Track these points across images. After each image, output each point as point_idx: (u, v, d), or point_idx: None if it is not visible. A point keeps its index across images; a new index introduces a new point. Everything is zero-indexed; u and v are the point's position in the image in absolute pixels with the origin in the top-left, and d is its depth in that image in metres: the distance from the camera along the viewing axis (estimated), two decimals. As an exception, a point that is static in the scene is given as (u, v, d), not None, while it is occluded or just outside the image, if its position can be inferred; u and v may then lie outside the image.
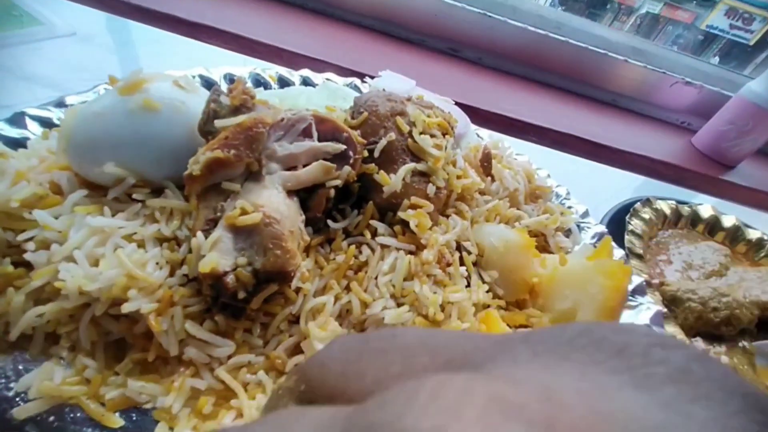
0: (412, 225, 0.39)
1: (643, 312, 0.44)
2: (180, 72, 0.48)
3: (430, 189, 0.41)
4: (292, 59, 0.78)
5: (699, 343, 0.48)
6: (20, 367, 0.30)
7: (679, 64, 1.00)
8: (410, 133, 0.42)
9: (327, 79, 0.62)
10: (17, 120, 0.41)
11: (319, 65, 0.77)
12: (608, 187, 0.76)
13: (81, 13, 0.72)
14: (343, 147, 0.37)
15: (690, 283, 0.52)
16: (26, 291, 0.31)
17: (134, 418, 0.30)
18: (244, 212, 0.32)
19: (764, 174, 0.94)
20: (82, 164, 0.34)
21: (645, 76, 0.98)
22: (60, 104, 0.43)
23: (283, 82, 0.60)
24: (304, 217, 0.36)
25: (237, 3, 0.88)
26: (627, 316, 0.43)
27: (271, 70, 0.59)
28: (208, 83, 0.55)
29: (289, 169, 0.36)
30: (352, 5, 0.94)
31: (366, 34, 0.96)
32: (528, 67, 0.99)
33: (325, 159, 0.37)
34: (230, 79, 0.56)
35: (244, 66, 0.60)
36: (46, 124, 0.42)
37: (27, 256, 0.31)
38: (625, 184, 0.80)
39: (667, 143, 0.96)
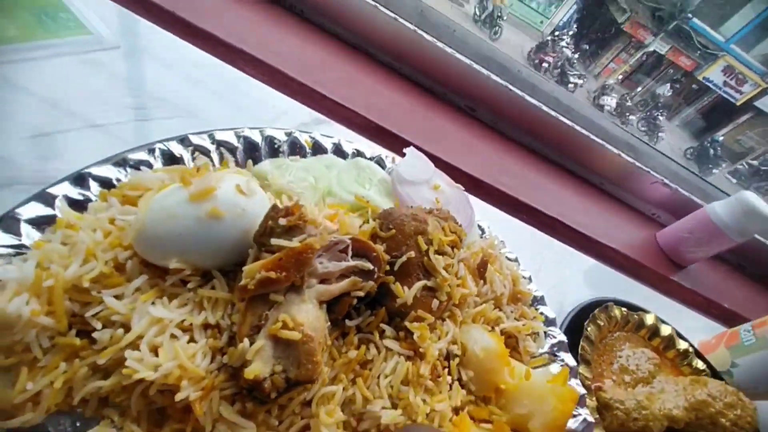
0: (415, 336, 0.46)
1: (579, 421, 0.54)
2: (238, 173, 0.52)
3: (434, 303, 0.49)
4: (322, 101, 0.82)
5: (616, 446, 0.60)
6: (78, 425, 0.36)
7: (663, 165, 1.11)
8: (427, 251, 0.49)
9: (356, 150, 0.67)
10: (80, 180, 0.44)
11: (348, 114, 0.81)
12: (577, 274, 0.87)
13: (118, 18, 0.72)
14: (372, 267, 0.44)
15: (621, 392, 0.64)
16: (89, 363, 0.36)
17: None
18: (285, 326, 0.38)
19: (707, 279, 1.08)
20: (148, 254, 0.39)
21: (632, 169, 1.08)
22: (119, 163, 0.47)
23: (317, 148, 0.64)
24: (329, 323, 0.43)
25: (283, 28, 0.90)
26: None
27: (305, 135, 0.64)
28: (250, 144, 0.59)
29: (323, 281, 0.43)
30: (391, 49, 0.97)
31: (393, 78, 0.99)
32: (533, 138, 1.07)
33: (353, 273, 0.44)
34: (270, 141, 0.60)
35: (272, 110, 0.64)
36: (106, 184, 0.46)
37: (95, 334, 0.36)
38: (594, 273, 0.91)
39: (635, 234, 1.08)
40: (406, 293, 0.47)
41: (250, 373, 0.36)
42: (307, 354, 0.38)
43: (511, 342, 0.59)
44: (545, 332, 0.61)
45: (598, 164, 1.08)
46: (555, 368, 0.58)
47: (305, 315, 0.39)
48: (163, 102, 0.63)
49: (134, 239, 0.39)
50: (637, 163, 1.06)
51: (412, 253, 0.48)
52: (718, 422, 0.64)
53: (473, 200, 0.71)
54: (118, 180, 0.46)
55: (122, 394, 0.37)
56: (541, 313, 0.63)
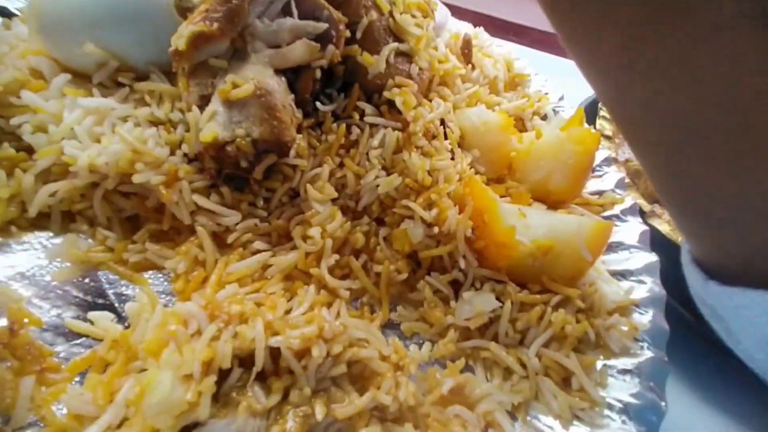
0: (398, 103, 0.40)
1: (606, 179, 0.49)
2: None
3: (413, 69, 0.42)
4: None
5: (657, 207, 0.54)
6: (44, 242, 0.33)
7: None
8: (391, 12, 0.42)
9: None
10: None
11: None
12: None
13: None
14: (326, 26, 0.37)
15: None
16: (34, 172, 0.32)
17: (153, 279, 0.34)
18: (235, 86, 0.33)
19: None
20: (58, 46, 0.34)
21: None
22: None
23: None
24: (293, 96, 0.37)
25: None
26: (594, 184, 0.48)
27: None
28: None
29: (272, 47, 0.36)
30: None
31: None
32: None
33: (307, 38, 0.37)
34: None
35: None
36: (4, 13, 0.40)
37: (26, 138, 0.32)
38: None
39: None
40: (376, 60, 0.40)
41: (207, 135, 0.31)
42: (267, 108, 0.33)
43: (518, 125, 0.53)
44: (554, 110, 0.54)
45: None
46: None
47: (256, 74, 0.34)
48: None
49: (37, 31, 0.33)
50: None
51: (374, 14, 0.41)
52: None
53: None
54: (18, 9, 0.40)
55: (83, 202, 0.33)
56: (546, 94, 0.56)
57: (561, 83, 0.60)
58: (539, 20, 0.84)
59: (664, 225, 0.48)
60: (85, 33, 0.33)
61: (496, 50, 0.58)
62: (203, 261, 0.33)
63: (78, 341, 0.29)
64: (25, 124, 0.32)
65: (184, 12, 0.34)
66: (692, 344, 0.42)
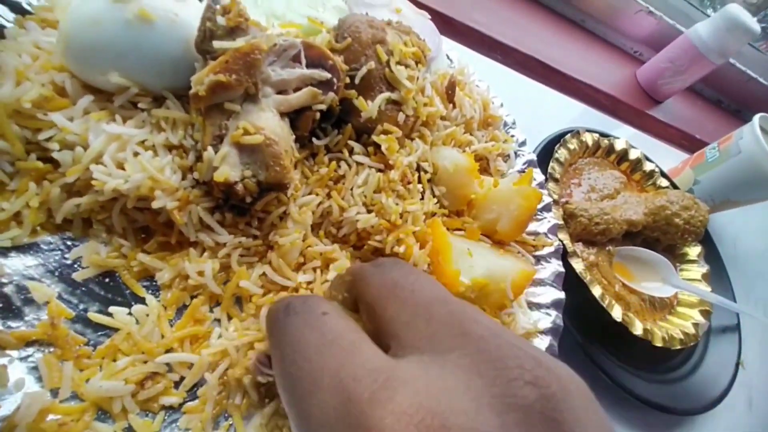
0: (383, 148, 0.47)
1: (544, 223, 0.59)
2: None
3: (400, 117, 0.48)
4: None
5: (579, 246, 0.67)
6: (68, 243, 0.38)
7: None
8: (388, 62, 0.47)
9: (305, -24, 0.60)
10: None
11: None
12: (552, 112, 0.87)
13: None
14: (329, 75, 0.42)
15: (585, 203, 0.68)
16: (60, 184, 0.37)
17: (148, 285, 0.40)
18: (246, 132, 0.38)
19: (682, 112, 1.09)
20: (84, 71, 0.37)
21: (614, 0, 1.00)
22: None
23: (260, -25, 0.57)
24: (294, 136, 0.43)
25: None
26: (533, 225, 0.59)
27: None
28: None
29: (280, 92, 0.41)
30: None
31: None
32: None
33: (311, 85, 0.42)
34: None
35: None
36: (17, 9, 0.41)
37: (55, 155, 0.36)
38: (568, 111, 0.91)
39: (614, 73, 1.04)
40: (369, 106, 0.46)
41: (219, 175, 0.37)
42: (273, 156, 0.39)
43: (483, 164, 0.61)
44: (515, 152, 0.63)
45: (580, -3, 0.99)
46: (524, 183, 0.61)
47: (265, 122, 0.39)
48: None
49: (63, 56, 0.36)
50: (621, -10, 0.97)
51: (372, 64, 0.46)
52: (672, 222, 0.71)
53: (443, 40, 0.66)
54: (30, 4, 0.41)
55: (102, 213, 0.39)
56: (512, 136, 0.64)
57: (528, 114, 0.69)
58: (524, 41, 0.89)
59: (579, 264, 0.60)
60: (109, 62, 0.36)
61: (478, 86, 0.64)
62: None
63: (103, 332, 0.36)
64: (52, 141, 0.36)
65: (204, 53, 0.38)
66: (582, 366, 0.56)
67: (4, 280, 0.35)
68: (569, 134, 0.73)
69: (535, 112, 0.81)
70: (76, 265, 0.38)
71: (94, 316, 0.36)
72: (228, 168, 0.37)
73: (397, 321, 0.18)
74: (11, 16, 0.40)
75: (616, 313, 0.60)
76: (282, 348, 0.18)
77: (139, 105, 0.39)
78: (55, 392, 0.33)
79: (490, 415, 0.13)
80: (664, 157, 0.90)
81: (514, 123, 0.65)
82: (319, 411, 0.15)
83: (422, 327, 0.17)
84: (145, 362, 0.35)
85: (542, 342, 0.49)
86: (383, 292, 0.19)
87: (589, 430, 0.13)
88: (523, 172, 0.63)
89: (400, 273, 0.20)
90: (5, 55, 0.36)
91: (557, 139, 0.72)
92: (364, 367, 0.15)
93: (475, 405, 0.13)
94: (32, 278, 0.36)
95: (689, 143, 1.08)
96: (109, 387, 0.33)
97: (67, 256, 0.38)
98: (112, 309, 0.37)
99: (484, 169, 0.61)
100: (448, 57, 0.67)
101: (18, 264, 0.36)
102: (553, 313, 0.52)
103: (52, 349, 0.34)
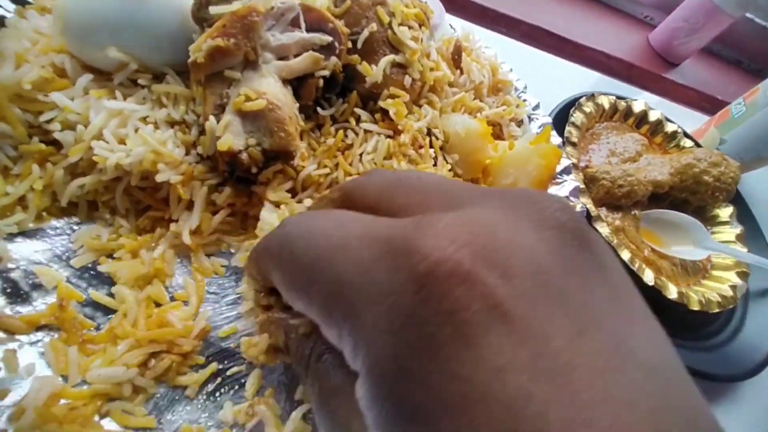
0: (390, 113, 0.45)
1: (565, 186, 0.56)
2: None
3: (407, 80, 0.46)
4: None
5: (603, 211, 0.63)
6: (74, 228, 0.38)
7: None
8: (390, 23, 0.45)
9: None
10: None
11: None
12: (565, 83, 0.83)
13: None
14: (330, 39, 0.41)
15: (606, 166, 0.65)
16: (63, 165, 0.36)
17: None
18: (248, 99, 0.37)
19: (700, 74, 1.04)
20: (81, 48, 0.36)
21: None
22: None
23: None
24: (297, 104, 0.41)
25: None
26: (553, 190, 0.56)
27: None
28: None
29: (281, 58, 0.40)
30: None
31: None
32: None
33: (313, 50, 0.41)
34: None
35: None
36: (17, 0, 0.40)
37: (56, 135, 0.35)
38: (581, 81, 0.87)
39: (626, 39, 1.00)
40: (374, 71, 0.44)
41: (223, 144, 0.36)
42: (277, 121, 0.37)
43: (496, 130, 0.58)
44: (530, 116, 0.60)
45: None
46: (541, 147, 0.58)
47: (267, 87, 0.38)
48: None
49: (61, 34, 0.35)
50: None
51: (374, 26, 0.44)
52: (701, 180, 0.67)
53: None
54: (31, -6, 0.41)
55: (107, 194, 0.38)
56: (524, 101, 0.61)
57: (540, 86, 0.65)
58: (529, 13, 0.87)
59: (605, 228, 0.57)
60: (107, 38, 0.35)
61: (484, 53, 0.62)
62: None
63: (113, 315, 0.35)
64: (54, 121, 0.35)
65: (201, 21, 0.37)
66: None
67: (11, 266, 0.34)
68: (584, 98, 0.70)
69: (546, 81, 0.78)
70: (81, 249, 0.37)
71: (97, 295, 0.35)
72: (231, 136, 0.36)
73: (411, 204, 0.16)
74: (12, 6, 0.40)
75: (648, 277, 0.56)
76: (288, 254, 0.16)
77: (139, 81, 0.38)
78: (66, 377, 0.31)
79: (529, 232, 0.14)
80: (685, 120, 0.86)
81: (525, 88, 0.62)
82: (352, 265, 0.14)
83: (439, 198, 0.16)
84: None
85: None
86: (387, 186, 0.17)
87: (608, 253, 0.15)
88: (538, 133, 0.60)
89: (400, 172, 0.18)
90: (5, 41, 0.36)
91: (572, 104, 0.69)
92: (394, 222, 0.15)
93: (515, 225, 0.14)
94: (39, 263, 0.35)
95: (710, 105, 1.02)
96: (109, 374, 0.31)
97: (73, 239, 0.37)
98: (114, 289, 0.35)
99: (498, 136, 0.59)
100: (451, 26, 0.64)
101: (25, 249, 0.35)
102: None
103: (57, 334, 0.33)
